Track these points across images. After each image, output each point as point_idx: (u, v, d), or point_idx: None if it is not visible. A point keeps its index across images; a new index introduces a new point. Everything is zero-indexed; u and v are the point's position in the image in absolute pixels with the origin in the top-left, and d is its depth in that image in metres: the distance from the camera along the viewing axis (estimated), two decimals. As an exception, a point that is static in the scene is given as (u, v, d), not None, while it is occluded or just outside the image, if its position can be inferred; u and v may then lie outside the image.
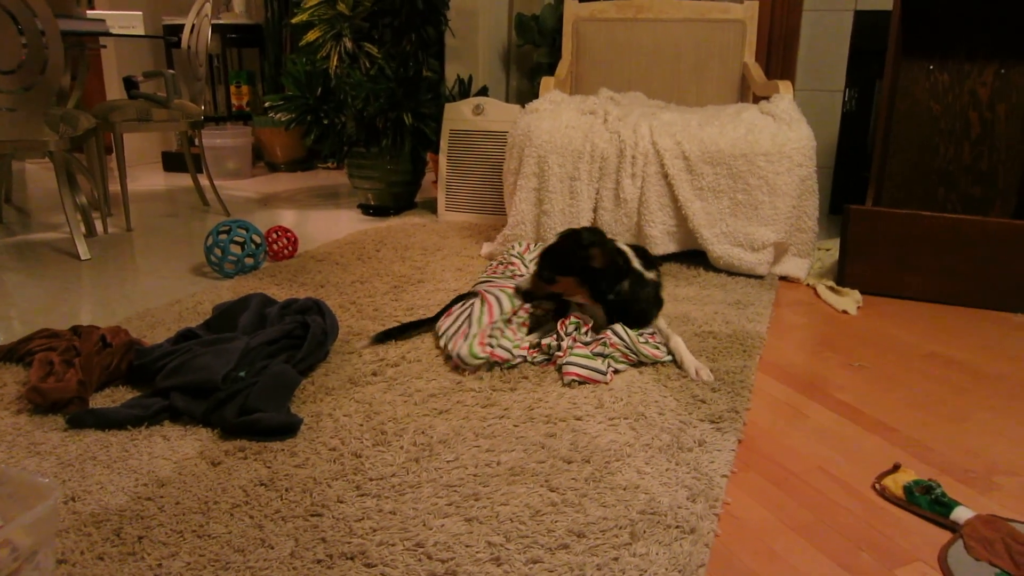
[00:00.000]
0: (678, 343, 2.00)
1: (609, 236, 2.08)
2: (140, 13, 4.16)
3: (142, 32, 4.10)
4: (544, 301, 2.09)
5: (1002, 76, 3.06)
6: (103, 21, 3.44)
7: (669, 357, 2.00)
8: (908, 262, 2.59)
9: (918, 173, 3.23)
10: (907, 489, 1.42)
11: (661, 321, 2.09)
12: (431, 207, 3.95)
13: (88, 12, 3.84)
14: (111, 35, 3.56)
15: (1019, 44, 3.01)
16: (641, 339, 1.98)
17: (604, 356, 1.91)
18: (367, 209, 3.85)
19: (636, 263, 2.04)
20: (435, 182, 3.89)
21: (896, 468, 1.49)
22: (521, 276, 2.36)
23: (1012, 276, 2.48)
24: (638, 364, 1.97)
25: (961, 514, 1.35)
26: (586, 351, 1.90)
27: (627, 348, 1.94)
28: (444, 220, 3.66)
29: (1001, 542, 1.27)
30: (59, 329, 1.99)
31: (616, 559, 1.21)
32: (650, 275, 2.07)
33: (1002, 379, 2.00)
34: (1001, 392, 1.92)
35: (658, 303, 2.10)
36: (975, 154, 3.14)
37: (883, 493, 1.45)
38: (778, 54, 3.73)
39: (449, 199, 3.69)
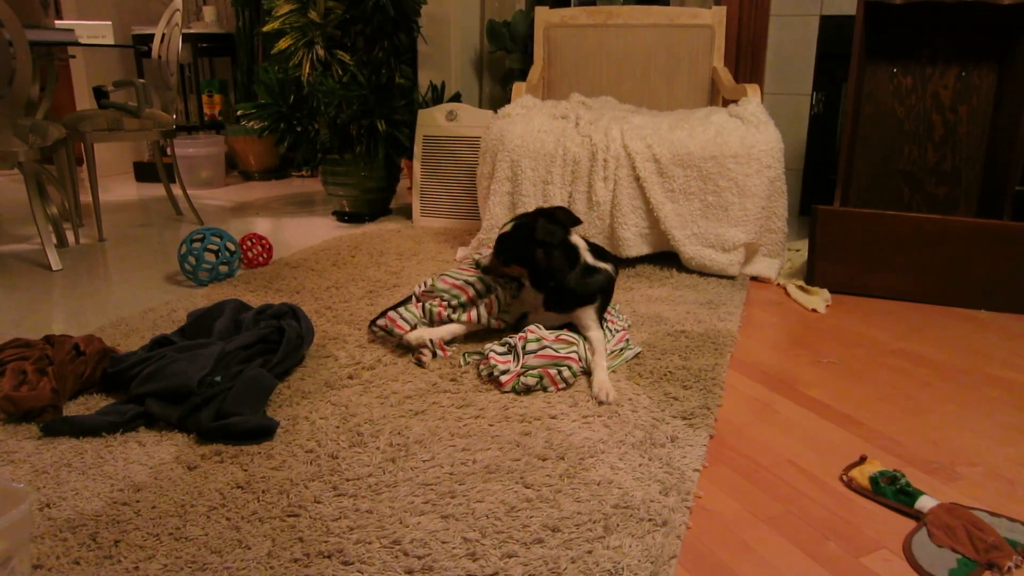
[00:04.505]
0: (600, 363, 1.92)
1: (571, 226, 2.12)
2: (109, 23, 4.14)
3: (112, 42, 4.08)
4: (500, 278, 2.19)
5: (963, 79, 3.13)
6: (72, 31, 3.42)
7: (634, 348, 2.08)
8: (875, 261, 2.64)
9: (884, 174, 3.29)
10: (873, 480, 1.45)
11: (596, 333, 2.02)
12: (406, 213, 3.97)
13: (57, 22, 3.82)
14: (80, 45, 3.54)
15: (979, 48, 3.08)
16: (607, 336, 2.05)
17: (527, 368, 1.85)
18: (342, 216, 3.86)
19: (587, 256, 2.06)
20: (410, 188, 3.90)
21: (863, 460, 1.53)
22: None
23: (975, 274, 2.54)
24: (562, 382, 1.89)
25: (925, 503, 1.38)
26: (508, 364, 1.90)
27: (555, 364, 1.87)
28: (419, 225, 3.68)
29: (963, 529, 1.31)
30: (32, 339, 1.98)
31: (590, 552, 1.23)
32: (602, 265, 2.08)
33: (965, 373, 2.05)
34: (964, 386, 1.97)
35: (603, 292, 2.07)
36: (939, 155, 3.21)
37: (850, 484, 1.49)
38: (746, 58, 3.79)
39: (424, 204, 3.70)
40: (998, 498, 1.45)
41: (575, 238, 2.07)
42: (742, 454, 1.60)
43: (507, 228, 2.12)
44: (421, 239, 3.38)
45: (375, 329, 2.15)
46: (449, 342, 2.09)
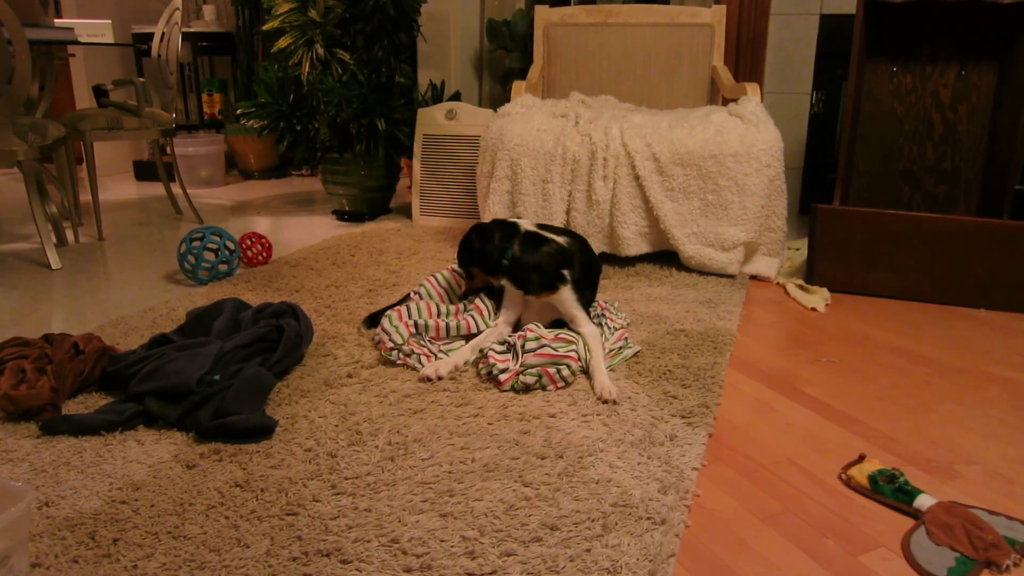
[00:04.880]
0: (598, 365, 1.90)
1: (536, 221, 2.18)
2: (109, 21, 4.13)
3: (111, 40, 4.08)
4: (479, 292, 2.21)
5: (963, 78, 3.13)
6: (71, 30, 3.42)
7: (634, 347, 2.07)
8: (875, 260, 2.64)
9: (884, 173, 3.29)
10: (872, 478, 1.45)
11: (588, 329, 2.01)
12: (406, 212, 3.97)
13: (56, 20, 3.82)
14: (80, 43, 3.54)
15: (979, 46, 3.08)
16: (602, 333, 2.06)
17: (526, 367, 1.85)
18: (342, 215, 3.86)
19: (528, 226, 2.11)
20: (409, 187, 3.90)
21: (861, 458, 1.53)
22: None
23: (975, 273, 2.54)
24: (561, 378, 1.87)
25: (924, 501, 1.38)
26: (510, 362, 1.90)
27: (554, 363, 1.85)
28: (419, 224, 3.68)
29: (961, 527, 1.31)
30: (31, 338, 1.98)
31: (588, 550, 1.23)
32: (552, 236, 2.08)
33: (965, 372, 2.05)
34: (964, 385, 1.97)
35: (572, 267, 2.03)
36: (938, 154, 3.21)
37: (849, 483, 1.49)
38: (746, 57, 3.78)
39: (423, 203, 3.70)
40: (997, 496, 1.45)
41: (515, 219, 2.15)
42: (741, 453, 1.60)
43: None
44: (421, 238, 3.38)
45: (374, 334, 2.14)
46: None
